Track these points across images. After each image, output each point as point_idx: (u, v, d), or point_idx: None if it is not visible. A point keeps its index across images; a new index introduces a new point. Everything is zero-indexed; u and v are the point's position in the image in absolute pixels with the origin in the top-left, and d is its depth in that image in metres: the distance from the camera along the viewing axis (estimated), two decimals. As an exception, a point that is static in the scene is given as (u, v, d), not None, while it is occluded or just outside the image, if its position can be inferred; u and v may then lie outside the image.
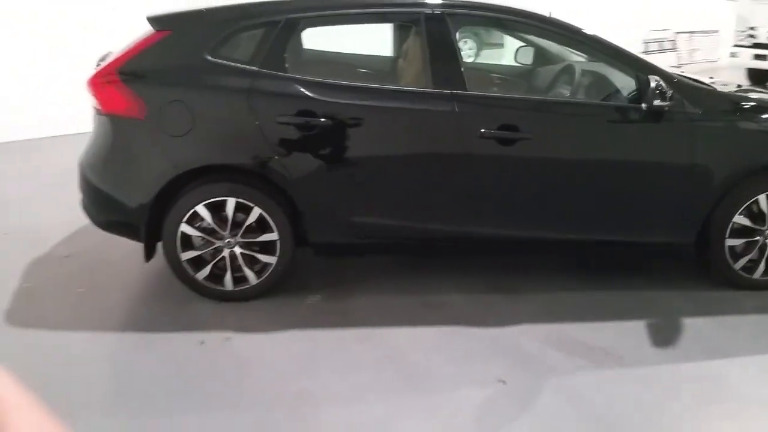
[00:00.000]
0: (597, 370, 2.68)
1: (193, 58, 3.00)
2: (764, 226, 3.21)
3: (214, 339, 2.89)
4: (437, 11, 3.04)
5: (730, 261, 3.27)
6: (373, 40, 4.18)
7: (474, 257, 3.67)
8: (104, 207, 3.17)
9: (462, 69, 3.03)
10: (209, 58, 2.99)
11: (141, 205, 3.02)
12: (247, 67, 2.99)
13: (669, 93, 2.92)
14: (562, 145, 3.07)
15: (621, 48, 3.14)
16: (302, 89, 2.97)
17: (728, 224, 3.18)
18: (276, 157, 2.97)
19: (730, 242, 3.22)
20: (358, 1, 3.22)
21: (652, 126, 3.03)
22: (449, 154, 3.01)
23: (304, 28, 3.22)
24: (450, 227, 3.13)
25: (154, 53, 3.05)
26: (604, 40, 3.15)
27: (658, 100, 2.89)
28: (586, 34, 3.14)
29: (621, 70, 3.16)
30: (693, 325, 3.02)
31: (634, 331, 2.97)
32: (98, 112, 3.06)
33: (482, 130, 2.96)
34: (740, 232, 3.21)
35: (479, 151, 3.00)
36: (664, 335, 2.95)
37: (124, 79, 2.98)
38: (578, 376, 2.64)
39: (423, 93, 3.05)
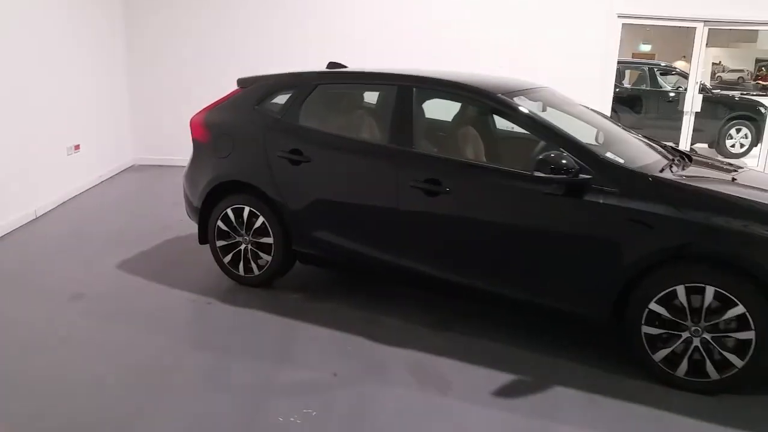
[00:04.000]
0: (411, 391, 3.05)
1: (246, 107, 4.30)
2: (686, 320, 3.03)
3: (201, 300, 4.07)
4: (405, 84, 3.78)
5: (648, 350, 3.14)
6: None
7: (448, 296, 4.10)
8: (188, 206, 4.63)
9: (413, 131, 3.69)
10: (255, 107, 4.26)
11: (197, 207, 4.40)
12: (274, 115, 4.16)
13: (566, 166, 3.11)
14: (473, 201, 3.46)
15: (553, 126, 3.40)
16: (295, 134, 4.02)
17: (643, 309, 3.10)
18: (273, 181, 4.05)
19: (646, 329, 3.12)
20: (359, 74, 4.21)
21: (559, 197, 3.21)
22: (385, 198, 3.68)
23: (320, 91, 4.24)
24: (385, 257, 3.76)
25: (230, 102, 4.45)
26: (542, 119, 3.46)
27: (541, 172, 3.13)
28: (518, 110, 3.48)
29: (548, 144, 3.40)
30: (560, 394, 3.06)
31: (495, 381, 3.16)
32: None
33: (412, 182, 3.58)
34: (664, 321, 3.09)
35: (408, 198, 3.60)
36: (516, 390, 3.09)
37: (207, 117, 4.45)
38: (390, 390, 3.05)
39: (377, 146, 3.81)
